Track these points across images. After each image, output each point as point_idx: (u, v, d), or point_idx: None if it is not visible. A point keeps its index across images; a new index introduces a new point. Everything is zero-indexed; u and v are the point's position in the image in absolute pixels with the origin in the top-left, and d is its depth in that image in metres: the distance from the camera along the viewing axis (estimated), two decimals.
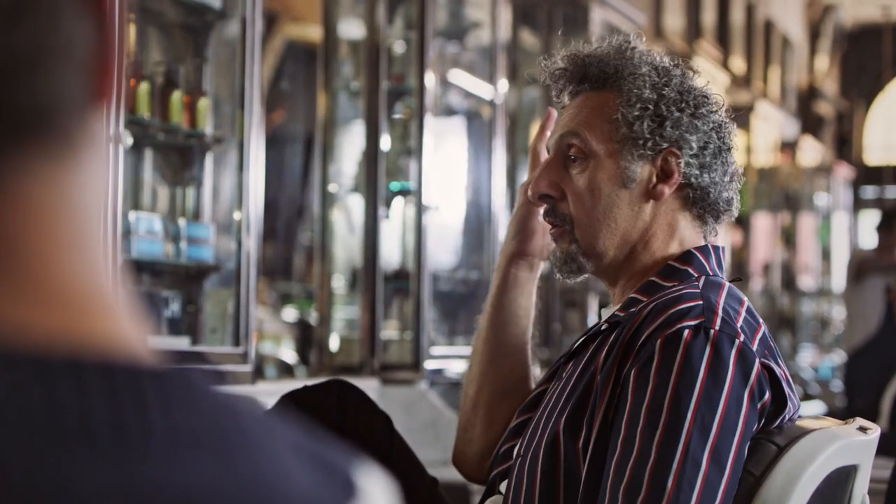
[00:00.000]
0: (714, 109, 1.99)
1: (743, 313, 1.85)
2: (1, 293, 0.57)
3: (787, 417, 1.86)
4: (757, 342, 1.82)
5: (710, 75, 9.02)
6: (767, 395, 1.81)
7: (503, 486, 2.01)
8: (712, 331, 1.78)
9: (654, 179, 1.96)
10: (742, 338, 1.79)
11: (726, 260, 2.03)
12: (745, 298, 1.93)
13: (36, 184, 0.59)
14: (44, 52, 0.60)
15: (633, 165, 1.95)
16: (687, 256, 1.96)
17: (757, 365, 1.79)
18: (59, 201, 0.60)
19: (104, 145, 0.66)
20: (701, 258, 1.96)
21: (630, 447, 1.75)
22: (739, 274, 9.44)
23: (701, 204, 1.98)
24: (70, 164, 0.61)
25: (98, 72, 0.63)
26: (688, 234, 1.99)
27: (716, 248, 2.00)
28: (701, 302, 1.83)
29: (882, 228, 8.37)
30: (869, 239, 13.62)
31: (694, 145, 1.95)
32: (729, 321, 1.80)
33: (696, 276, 1.93)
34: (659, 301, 1.86)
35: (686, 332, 1.79)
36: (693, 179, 1.96)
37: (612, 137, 1.95)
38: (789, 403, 1.84)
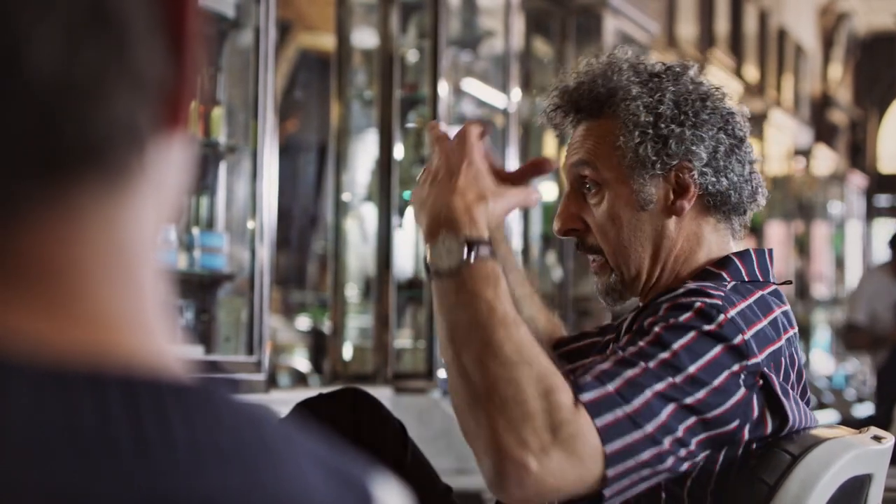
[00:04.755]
0: (717, 106, 1.95)
1: (762, 324, 1.83)
2: (28, 311, 0.57)
3: (791, 430, 1.84)
4: (765, 354, 1.80)
5: (723, 84, 9.01)
6: (744, 391, 1.78)
7: None
8: (722, 315, 1.78)
9: (672, 196, 1.93)
10: (747, 336, 1.78)
11: (773, 263, 1.99)
12: (779, 308, 1.90)
13: (79, 215, 0.59)
14: (107, 78, 0.58)
15: (647, 187, 1.92)
16: (724, 261, 1.95)
17: (751, 360, 1.78)
18: (102, 232, 0.59)
19: (175, 174, 0.64)
20: (738, 263, 1.94)
21: (601, 359, 1.76)
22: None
23: (723, 208, 1.97)
24: (121, 196, 0.60)
25: (169, 102, 0.61)
26: (714, 238, 1.97)
27: (759, 251, 1.99)
28: (722, 294, 1.82)
29: (895, 244, 8.41)
30: (882, 251, 13.61)
31: (703, 154, 1.92)
32: (739, 322, 1.79)
33: (728, 280, 1.91)
34: (680, 288, 1.87)
35: (698, 303, 1.79)
36: (710, 187, 1.94)
37: (620, 163, 1.93)
38: (790, 416, 1.82)
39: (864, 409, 9.65)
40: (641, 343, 1.75)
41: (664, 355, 1.73)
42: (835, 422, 8.11)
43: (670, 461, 1.72)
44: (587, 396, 1.67)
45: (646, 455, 1.69)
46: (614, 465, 1.66)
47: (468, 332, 1.71)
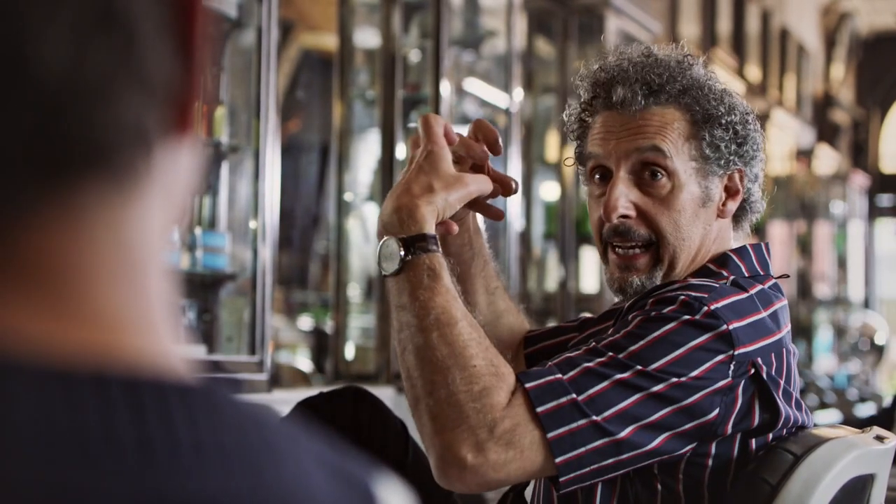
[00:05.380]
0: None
1: (759, 315, 1.83)
2: (33, 311, 0.57)
3: (785, 427, 1.84)
4: (759, 345, 1.81)
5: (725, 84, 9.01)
6: (730, 379, 1.78)
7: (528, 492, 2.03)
8: (706, 307, 1.78)
9: (723, 197, 1.95)
10: (731, 326, 1.78)
11: (771, 257, 2.00)
12: (779, 301, 1.90)
13: (85, 216, 0.58)
14: (115, 80, 0.58)
15: (712, 185, 1.93)
16: (723, 259, 1.95)
17: (739, 349, 1.78)
18: (108, 233, 0.59)
19: (183, 176, 0.64)
20: (736, 260, 1.95)
21: (573, 349, 1.79)
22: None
23: (746, 217, 2.00)
24: (127, 198, 0.60)
25: (177, 104, 0.61)
26: (728, 243, 1.99)
27: (756, 246, 1.99)
28: (714, 287, 1.83)
29: None
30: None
31: (757, 164, 1.96)
32: (725, 314, 1.79)
33: (727, 276, 1.91)
34: (673, 284, 1.88)
35: (682, 297, 1.79)
36: (751, 196, 1.97)
37: (694, 156, 1.91)
38: (781, 409, 1.82)
39: (867, 409, 9.64)
40: (617, 335, 1.76)
41: (637, 345, 1.74)
42: (837, 421, 8.11)
43: (635, 451, 1.72)
44: (531, 384, 1.70)
45: (597, 443, 1.70)
46: (562, 452, 1.69)
47: (408, 334, 1.76)
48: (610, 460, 1.71)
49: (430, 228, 1.78)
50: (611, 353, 1.73)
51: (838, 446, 1.84)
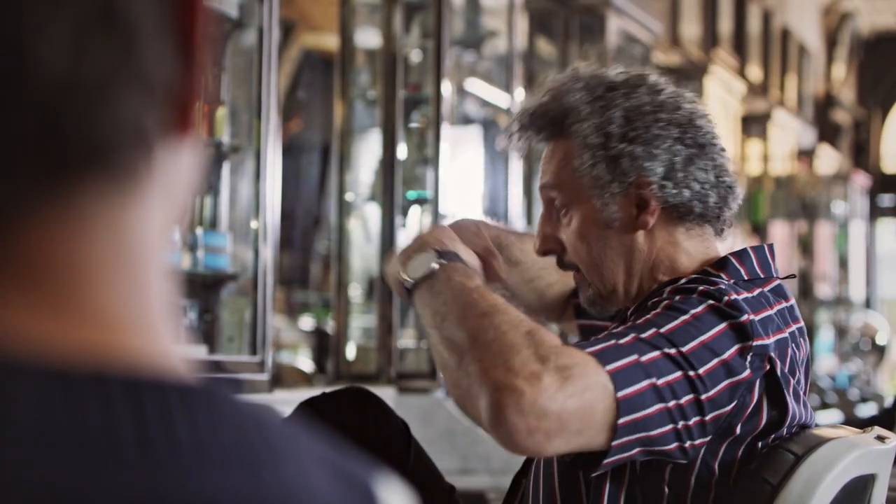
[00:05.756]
0: (672, 118, 1.92)
1: (761, 315, 1.83)
2: (33, 311, 0.57)
3: (789, 425, 1.84)
4: (774, 338, 1.81)
5: (726, 84, 9.01)
6: (749, 373, 1.78)
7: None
8: (726, 297, 1.78)
9: (635, 211, 1.92)
10: (752, 317, 1.78)
11: (774, 258, 1.98)
12: (778, 304, 1.89)
13: (85, 215, 0.58)
14: (115, 80, 0.58)
15: (609, 205, 1.92)
16: (722, 262, 1.93)
17: (758, 341, 1.78)
18: (108, 233, 0.59)
19: (184, 176, 0.64)
20: (735, 263, 1.93)
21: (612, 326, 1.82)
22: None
23: (689, 217, 1.94)
24: (128, 198, 0.59)
25: (178, 104, 0.61)
26: (690, 244, 1.95)
27: (758, 249, 1.97)
28: (725, 282, 1.84)
29: None
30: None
31: (659, 169, 1.90)
32: (745, 305, 1.79)
33: (726, 280, 1.90)
34: (682, 279, 1.89)
35: (701, 287, 1.81)
36: (671, 199, 1.91)
37: (580, 184, 1.94)
38: (790, 407, 1.82)
39: (868, 409, 9.64)
40: (649, 315, 1.77)
41: (671, 325, 1.75)
42: (838, 422, 8.11)
43: (671, 427, 1.72)
44: (591, 348, 1.69)
45: (652, 409, 1.69)
46: (625, 413, 1.66)
47: (446, 309, 1.77)
48: (654, 431, 1.69)
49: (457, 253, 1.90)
50: (653, 329, 1.74)
51: (839, 446, 1.84)
